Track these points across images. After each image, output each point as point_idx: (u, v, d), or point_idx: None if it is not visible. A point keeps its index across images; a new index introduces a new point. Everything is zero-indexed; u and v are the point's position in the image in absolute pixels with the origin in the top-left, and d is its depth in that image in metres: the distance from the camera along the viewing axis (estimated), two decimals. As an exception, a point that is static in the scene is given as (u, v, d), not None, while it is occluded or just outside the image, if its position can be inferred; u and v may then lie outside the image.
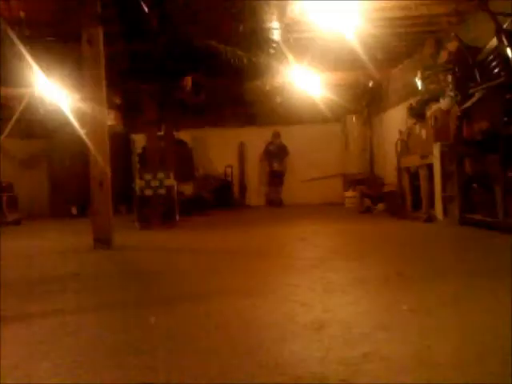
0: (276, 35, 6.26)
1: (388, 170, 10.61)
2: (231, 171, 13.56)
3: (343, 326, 2.09)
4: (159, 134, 10.94)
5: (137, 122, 11.40)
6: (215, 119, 13.31)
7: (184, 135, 13.12)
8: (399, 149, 8.31)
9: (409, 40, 8.79)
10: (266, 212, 10.94)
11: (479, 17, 6.64)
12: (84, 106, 5.70)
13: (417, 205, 7.44)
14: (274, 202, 12.70)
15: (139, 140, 12.01)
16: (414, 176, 7.65)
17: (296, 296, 2.77)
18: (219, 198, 12.17)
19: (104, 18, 5.42)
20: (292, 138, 13.05)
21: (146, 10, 5.82)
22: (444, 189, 6.29)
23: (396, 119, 10.37)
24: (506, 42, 5.09)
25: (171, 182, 8.18)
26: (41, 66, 7.30)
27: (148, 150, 10.37)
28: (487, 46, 5.63)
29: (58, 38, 7.43)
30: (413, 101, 8.00)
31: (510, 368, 1.53)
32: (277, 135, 12.92)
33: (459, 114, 5.91)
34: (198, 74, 8.37)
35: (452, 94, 6.16)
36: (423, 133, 7.07)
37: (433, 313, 2.25)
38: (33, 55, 6.74)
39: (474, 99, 5.60)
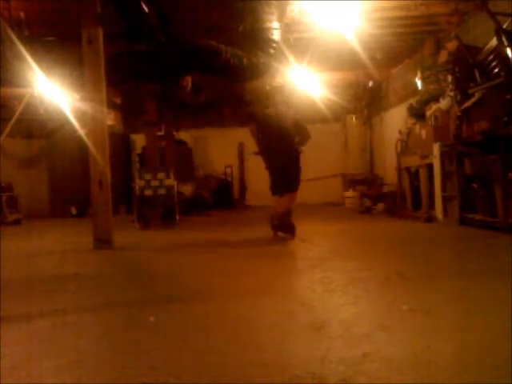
0: (276, 35, 6.25)
1: (388, 170, 10.61)
2: (231, 171, 13.56)
3: (343, 326, 2.08)
4: (159, 133, 10.95)
5: (137, 122, 11.41)
6: (215, 119, 13.31)
7: (184, 135, 13.14)
8: (399, 149, 8.32)
9: (409, 40, 8.80)
10: (264, 212, 10.93)
11: (479, 17, 6.64)
12: (84, 106, 5.71)
13: (417, 205, 7.44)
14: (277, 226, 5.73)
15: (139, 140, 12.04)
16: (414, 176, 7.65)
17: (296, 296, 2.77)
18: (219, 198, 12.17)
19: (104, 18, 5.42)
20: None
21: (146, 9, 5.82)
22: (444, 189, 6.29)
23: (396, 119, 10.38)
24: (505, 42, 5.09)
25: (171, 181, 8.18)
26: (41, 66, 7.30)
27: (148, 150, 10.38)
28: (487, 46, 5.63)
29: (57, 38, 7.44)
30: (413, 101, 8.00)
31: (510, 368, 1.53)
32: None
33: (459, 113, 5.91)
34: (198, 74, 8.37)
35: (452, 94, 6.17)
36: (423, 133, 7.07)
37: (433, 313, 2.25)
38: (33, 55, 6.74)
39: (473, 99, 5.60)
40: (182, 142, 12.83)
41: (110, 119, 10.40)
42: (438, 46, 8.01)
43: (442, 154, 6.30)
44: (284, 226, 5.56)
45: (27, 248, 6.03)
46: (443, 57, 6.89)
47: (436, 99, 6.76)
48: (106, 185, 5.41)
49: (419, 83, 7.47)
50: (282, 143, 5.61)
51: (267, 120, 5.73)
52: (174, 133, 12.31)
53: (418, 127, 7.39)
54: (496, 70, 5.40)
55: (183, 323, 2.32)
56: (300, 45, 8.11)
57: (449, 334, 1.94)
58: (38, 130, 12.59)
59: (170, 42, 6.34)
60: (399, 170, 8.27)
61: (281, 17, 6.35)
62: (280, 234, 5.58)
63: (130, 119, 12.12)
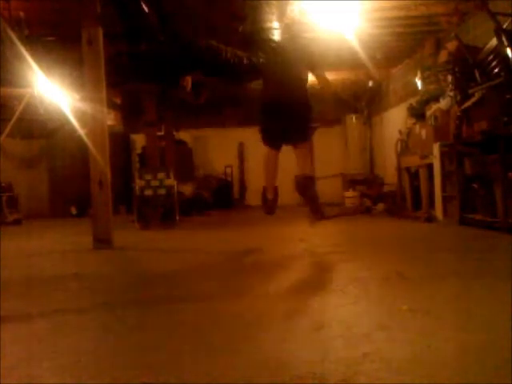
0: (276, 35, 6.26)
1: (388, 170, 10.61)
2: (231, 171, 13.56)
3: (343, 325, 2.09)
4: (159, 134, 10.95)
5: (137, 122, 11.41)
6: (215, 119, 13.32)
7: (184, 135, 13.13)
8: (399, 149, 8.32)
9: (409, 40, 8.79)
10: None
11: (479, 17, 6.64)
12: (84, 106, 5.71)
13: (417, 205, 7.44)
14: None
15: (139, 140, 12.04)
16: (414, 176, 7.66)
17: (296, 296, 2.77)
18: (219, 198, 12.18)
19: (104, 18, 5.43)
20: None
21: (146, 9, 5.82)
22: (444, 189, 6.29)
23: (396, 119, 10.38)
24: (505, 42, 5.09)
25: (171, 182, 8.18)
26: (41, 66, 7.30)
27: (148, 150, 10.38)
28: (487, 46, 5.63)
29: (57, 38, 7.43)
30: (413, 101, 8.00)
31: (510, 368, 1.53)
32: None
33: (459, 113, 5.91)
34: (198, 74, 8.37)
35: (452, 94, 6.17)
36: (423, 133, 7.07)
37: (433, 313, 2.25)
38: (33, 55, 6.74)
39: (473, 99, 5.60)
40: (181, 142, 12.83)
41: (110, 119, 10.41)
42: (438, 45, 8.01)
43: (442, 154, 6.30)
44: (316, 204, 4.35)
45: (27, 248, 6.03)
46: (443, 57, 6.89)
47: (436, 99, 6.76)
48: (106, 185, 5.41)
49: (419, 83, 7.47)
50: (288, 72, 4.47)
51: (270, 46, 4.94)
52: (174, 133, 12.31)
53: (418, 127, 7.39)
54: (496, 70, 5.39)
55: (183, 323, 2.32)
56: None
57: (449, 334, 1.94)
58: (38, 130, 12.59)
59: (170, 42, 6.34)
60: (399, 170, 8.27)
61: (281, 17, 6.35)
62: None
63: (130, 119, 12.12)
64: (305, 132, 4.53)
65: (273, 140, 4.57)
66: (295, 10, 6.73)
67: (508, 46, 5.06)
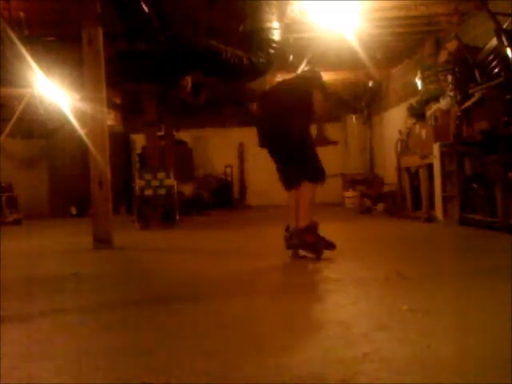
0: (276, 35, 6.26)
1: (388, 170, 10.61)
2: (231, 171, 13.57)
3: (343, 325, 2.08)
4: (159, 133, 10.96)
5: (137, 122, 11.41)
6: (215, 119, 13.32)
7: (184, 135, 13.14)
8: (399, 149, 8.32)
9: (409, 40, 8.79)
10: (265, 212, 10.93)
11: (479, 17, 6.64)
12: (84, 106, 5.71)
13: (417, 205, 7.44)
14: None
15: (139, 140, 12.05)
16: (414, 176, 7.66)
17: (296, 296, 2.77)
18: (219, 198, 12.18)
19: (104, 18, 5.43)
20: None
21: (146, 9, 5.82)
22: (444, 189, 6.29)
23: (396, 119, 10.38)
24: (505, 42, 5.09)
25: (171, 181, 8.18)
26: (41, 66, 7.30)
27: (148, 150, 10.39)
28: (487, 46, 5.63)
29: (57, 38, 7.44)
30: (413, 101, 8.00)
31: (510, 368, 1.53)
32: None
33: (459, 113, 5.92)
34: (198, 74, 8.37)
35: (452, 94, 6.17)
36: (423, 133, 7.07)
37: (433, 313, 2.25)
38: (33, 55, 6.75)
39: (473, 99, 5.60)
40: (181, 142, 12.84)
41: (110, 119, 10.41)
42: (438, 45, 8.01)
43: (442, 154, 6.30)
44: (307, 245, 4.05)
45: (27, 248, 6.03)
46: (443, 57, 6.89)
47: (436, 99, 6.76)
48: (106, 185, 5.41)
49: (419, 83, 7.47)
50: (287, 118, 4.32)
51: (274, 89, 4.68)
52: (174, 133, 12.32)
53: (418, 127, 7.39)
54: (496, 70, 5.39)
55: (183, 323, 2.32)
56: (300, 45, 8.11)
57: (449, 334, 1.94)
58: (38, 130, 12.59)
59: (170, 42, 6.34)
60: (399, 170, 8.27)
61: (281, 17, 6.35)
62: (302, 252, 4.15)
63: (130, 119, 12.13)
64: (312, 173, 4.30)
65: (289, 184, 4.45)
66: (295, 9, 6.74)
67: (508, 45, 5.06)
